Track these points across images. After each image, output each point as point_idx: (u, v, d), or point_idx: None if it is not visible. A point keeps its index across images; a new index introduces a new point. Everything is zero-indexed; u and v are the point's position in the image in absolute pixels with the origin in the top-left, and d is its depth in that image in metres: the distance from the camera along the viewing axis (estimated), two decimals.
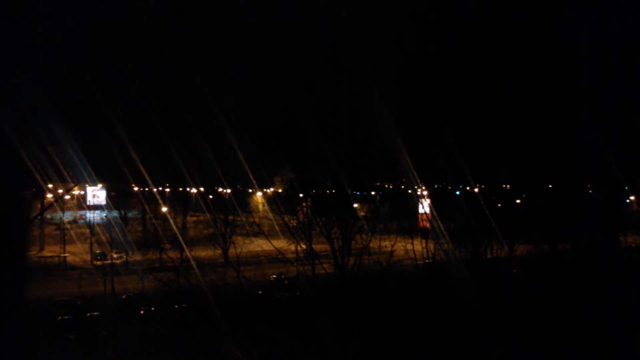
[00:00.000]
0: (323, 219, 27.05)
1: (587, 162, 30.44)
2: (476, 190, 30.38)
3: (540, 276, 25.08)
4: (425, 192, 35.48)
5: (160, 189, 71.55)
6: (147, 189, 64.32)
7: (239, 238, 50.31)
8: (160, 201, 64.36)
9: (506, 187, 34.02)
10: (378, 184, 40.37)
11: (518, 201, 34.92)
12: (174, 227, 57.44)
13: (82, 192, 77.34)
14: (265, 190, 54.49)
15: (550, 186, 34.76)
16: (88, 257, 59.09)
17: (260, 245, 31.16)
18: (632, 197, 39.01)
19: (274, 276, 39.86)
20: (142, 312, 36.78)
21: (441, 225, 27.10)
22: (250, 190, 66.05)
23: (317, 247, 27.59)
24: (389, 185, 41.56)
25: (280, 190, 40.32)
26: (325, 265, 26.11)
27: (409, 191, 35.61)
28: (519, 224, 30.21)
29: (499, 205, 31.51)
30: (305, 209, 29.03)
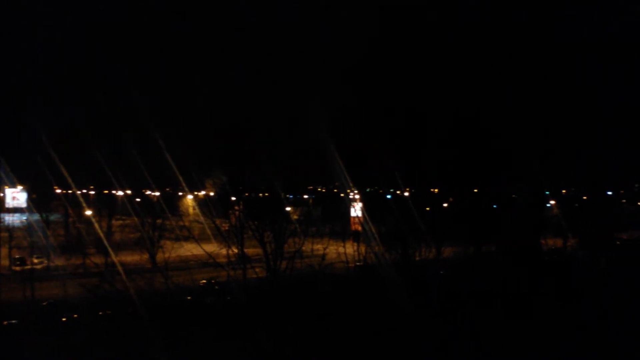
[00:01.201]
0: (256, 222, 26.84)
1: (510, 168, 31.73)
2: (406, 194, 31.01)
3: (465, 277, 25.83)
4: (357, 196, 35.89)
5: (85, 191, 68.96)
6: (70, 191, 61.84)
7: (168, 242, 49.22)
8: (84, 204, 62.02)
9: (434, 191, 34.94)
10: (311, 187, 40.54)
11: (445, 205, 35.93)
12: (99, 230, 55.55)
13: (1, 194, 73.64)
14: (196, 193, 53.65)
15: (475, 190, 35.98)
16: (6, 263, 56.32)
17: (190, 249, 30.53)
18: (552, 202, 40.94)
19: (204, 281, 39.15)
20: (64, 319, 35.31)
21: (372, 228, 27.41)
22: (180, 194, 64.85)
23: (250, 251, 27.34)
24: (322, 189, 41.81)
25: (212, 194, 39.75)
26: (257, 269, 25.87)
27: (342, 195, 35.93)
28: (446, 227, 31.06)
29: (427, 208, 32.26)
30: (237, 212, 28.72)
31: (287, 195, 30.17)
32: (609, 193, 55.36)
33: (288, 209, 29.96)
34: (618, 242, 46.91)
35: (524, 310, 21.21)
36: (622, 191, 64.94)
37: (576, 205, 45.90)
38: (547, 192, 37.51)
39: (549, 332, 19.30)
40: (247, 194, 30.58)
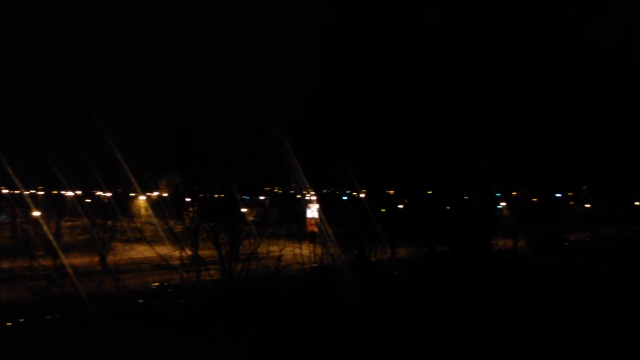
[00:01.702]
0: (210, 223, 26.46)
1: (463, 171, 32.32)
2: (362, 195, 31.22)
3: (419, 277, 26.21)
4: (313, 197, 35.92)
5: (33, 191, 66.89)
6: (17, 192, 59.86)
7: (119, 244, 48.13)
8: (32, 205, 60.14)
9: (389, 192, 35.27)
10: (268, 188, 40.38)
11: (400, 206, 36.35)
12: (47, 232, 53.94)
13: None
14: (148, 194, 52.68)
15: (429, 192, 36.53)
16: None
17: (142, 252, 29.96)
18: (503, 204, 41.90)
19: (157, 284, 38.42)
20: (9, 324, 34.10)
21: (329, 229, 27.51)
22: (132, 194, 63.57)
23: (204, 253, 26.93)
24: (278, 190, 41.69)
25: (165, 194, 39.12)
26: (211, 272, 25.54)
27: (298, 196, 35.90)
28: (401, 227, 31.42)
29: (383, 210, 32.56)
30: (191, 213, 28.28)
31: (243, 196, 29.90)
32: (558, 195, 57.14)
33: (244, 210, 29.68)
34: (566, 243, 48.50)
35: (476, 309, 21.64)
36: (570, 193, 67.10)
37: (526, 207, 47.18)
38: (498, 194, 38.39)
39: (500, 330, 19.76)
40: (201, 195, 30.11)
